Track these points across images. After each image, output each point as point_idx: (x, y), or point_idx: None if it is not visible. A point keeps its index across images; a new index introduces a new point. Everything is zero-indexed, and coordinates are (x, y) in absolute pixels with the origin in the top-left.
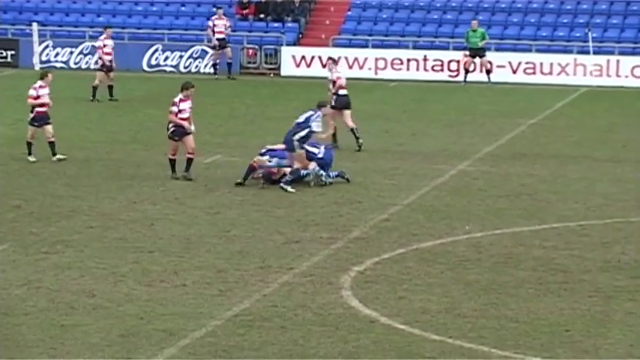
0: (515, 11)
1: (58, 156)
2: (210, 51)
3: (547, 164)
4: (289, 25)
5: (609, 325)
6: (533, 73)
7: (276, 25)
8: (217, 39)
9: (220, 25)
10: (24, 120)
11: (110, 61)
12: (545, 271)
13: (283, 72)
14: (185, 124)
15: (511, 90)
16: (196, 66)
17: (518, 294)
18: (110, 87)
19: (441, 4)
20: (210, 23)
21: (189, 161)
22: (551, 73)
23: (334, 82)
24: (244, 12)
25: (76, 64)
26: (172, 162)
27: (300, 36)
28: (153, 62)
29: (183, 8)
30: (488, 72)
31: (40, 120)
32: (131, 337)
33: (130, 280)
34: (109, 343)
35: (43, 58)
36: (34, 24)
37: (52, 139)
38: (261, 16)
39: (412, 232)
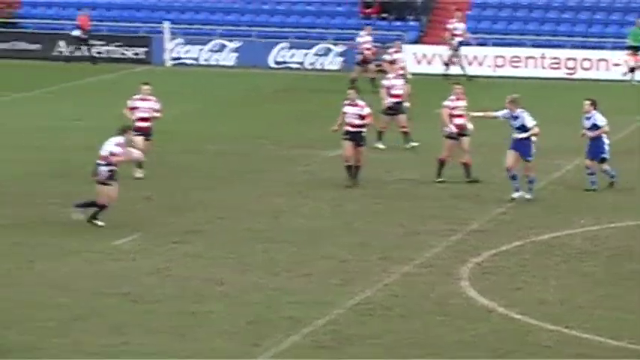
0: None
1: (138, 173)
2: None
3: None
4: (411, 23)
5: None
6: None
7: (398, 23)
8: (365, 55)
9: (369, 41)
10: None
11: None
12: None
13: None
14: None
15: (627, 87)
16: (320, 63)
17: (633, 286)
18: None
19: (559, 3)
20: (360, 39)
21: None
22: None
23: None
24: (368, 11)
25: (205, 60)
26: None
27: (422, 34)
28: (279, 59)
29: (309, 7)
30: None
31: (139, 132)
32: (258, 324)
33: (257, 269)
34: (237, 329)
35: (174, 55)
36: (166, 22)
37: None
38: (384, 15)
39: (529, 225)
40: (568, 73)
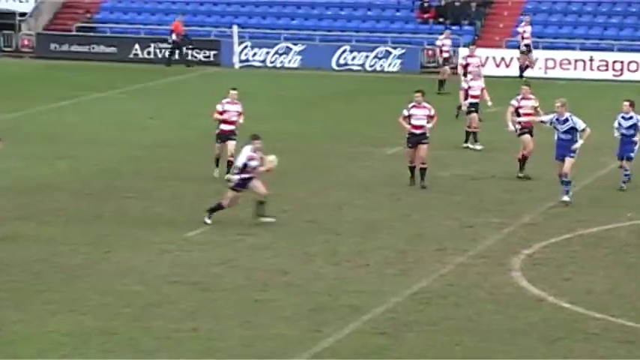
0: None
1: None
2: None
3: None
4: (466, 28)
5: None
6: None
7: (454, 27)
8: (444, 58)
9: (447, 44)
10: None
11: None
12: None
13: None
14: None
15: None
16: (380, 65)
17: None
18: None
19: (607, 8)
20: (439, 43)
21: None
22: None
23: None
24: (425, 16)
25: (271, 63)
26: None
27: (476, 38)
28: (341, 62)
29: (369, 12)
30: None
31: (223, 137)
32: (320, 311)
33: (319, 259)
34: (299, 317)
35: (242, 58)
36: (235, 26)
37: (231, 159)
38: (441, 19)
39: (577, 218)
40: (615, 75)
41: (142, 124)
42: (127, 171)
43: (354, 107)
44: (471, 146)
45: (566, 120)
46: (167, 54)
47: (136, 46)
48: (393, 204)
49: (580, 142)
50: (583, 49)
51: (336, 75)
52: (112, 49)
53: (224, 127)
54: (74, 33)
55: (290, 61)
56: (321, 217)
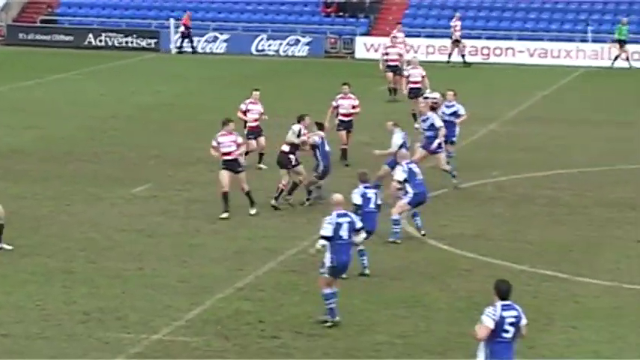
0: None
1: (260, 165)
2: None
3: (555, 125)
4: (362, 20)
5: (602, 247)
6: (545, 56)
7: (352, 20)
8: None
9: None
10: (162, 91)
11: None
12: (554, 206)
13: (357, 55)
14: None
15: (527, 70)
16: (292, 51)
17: (532, 224)
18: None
19: (464, 3)
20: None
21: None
22: (558, 56)
23: None
24: (328, 10)
25: (202, 49)
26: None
27: (370, 28)
28: (260, 48)
29: (282, 7)
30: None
31: (252, 133)
32: (242, 253)
33: (242, 210)
34: (225, 258)
35: (178, 45)
36: (171, 19)
37: (263, 152)
38: (341, 13)
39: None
40: (484, 58)
41: (95, 100)
42: (82, 138)
43: (270, 85)
44: (417, 126)
45: (427, 118)
46: (179, 43)
47: (90, 35)
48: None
49: (438, 140)
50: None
51: (255, 59)
52: (70, 38)
53: (251, 124)
54: (38, 24)
55: (217, 47)
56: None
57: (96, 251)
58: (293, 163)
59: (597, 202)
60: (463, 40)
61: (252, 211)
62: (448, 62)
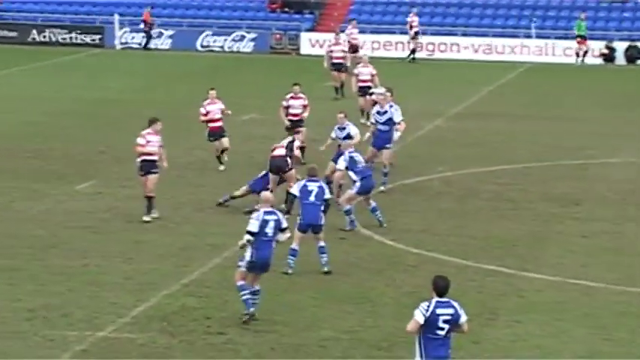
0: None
1: (223, 162)
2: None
3: (500, 121)
4: (307, 16)
5: (546, 242)
6: (490, 52)
7: (297, 16)
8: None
9: (352, 33)
10: (107, 87)
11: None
12: (498, 201)
13: (302, 51)
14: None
15: (472, 65)
16: (237, 46)
17: (477, 218)
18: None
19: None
20: (347, 31)
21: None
22: (503, 52)
23: None
24: (274, 6)
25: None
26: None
27: (315, 24)
28: (205, 44)
29: (227, 3)
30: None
31: (213, 135)
32: (188, 249)
33: (188, 206)
34: (171, 254)
35: (123, 41)
36: (116, 15)
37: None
38: (286, 9)
39: (398, 172)
40: (429, 54)
41: (39, 96)
42: (26, 134)
43: (215, 81)
44: (369, 122)
45: (386, 112)
46: (144, 40)
47: (34, 31)
48: (249, 160)
49: (397, 134)
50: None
51: (200, 55)
52: (14, 34)
53: (212, 125)
54: None
55: (162, 43)
56: (188, 173)
57: (41, 248)
58: (290, 166)
59: (542, 198)
60: (419, 37)
61: (148, 218)
62: (413, 59)
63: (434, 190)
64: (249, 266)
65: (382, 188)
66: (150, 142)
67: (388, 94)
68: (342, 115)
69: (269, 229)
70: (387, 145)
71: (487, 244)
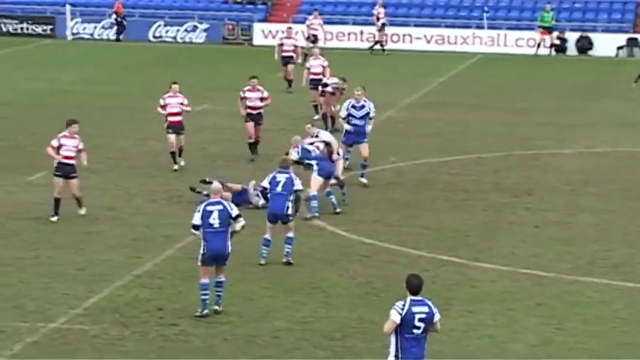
0: None
1: (180, 165)
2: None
3: (452, 111)
4: (260, 6)
5: (498, 232)
6: (442, 43)
7: (249, 6)
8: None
9: (316, 23)
10: (57, 78)
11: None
12: (451, 192)
13: (255, 42)
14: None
15: (425, 56)
16: (189, 37)
17: (430, 208)
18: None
19: None
20: (308, 22)
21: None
22: (455, 43)
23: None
24: None
25: (99, 35)
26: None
27: (268, 15)
28: (157, 34)
29: None
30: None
31: (171, 128)
32: (141, 240)
33: (140, 197)
34: (124, 245)
35: (74, 31)
36: (67, 5)
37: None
38: (239, 0)
39: (351, 163)
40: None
41: None
42: None
43: (168, 72)
44: (316, 117)
45: (363, 106)
46: (116, 32)
47: None
48: (201, 151)
49: (370, 127)
50: (356, 23)
51: (152, 45)
52: None
53: (171, 119)
54: None
55: (113, 34)
56: (140, 164)
57: None
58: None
59: (494, 188)
60: (386, 28)
61: (82, 211)
62: (383, 50)
63: (387, 181)
64: (202, 259)
65: (364, 181)
66: (63, 145)
67: (361, 90)
68: (309, 125)
69: (213, 220)
70: (364, 140)
71: (440, 234)
